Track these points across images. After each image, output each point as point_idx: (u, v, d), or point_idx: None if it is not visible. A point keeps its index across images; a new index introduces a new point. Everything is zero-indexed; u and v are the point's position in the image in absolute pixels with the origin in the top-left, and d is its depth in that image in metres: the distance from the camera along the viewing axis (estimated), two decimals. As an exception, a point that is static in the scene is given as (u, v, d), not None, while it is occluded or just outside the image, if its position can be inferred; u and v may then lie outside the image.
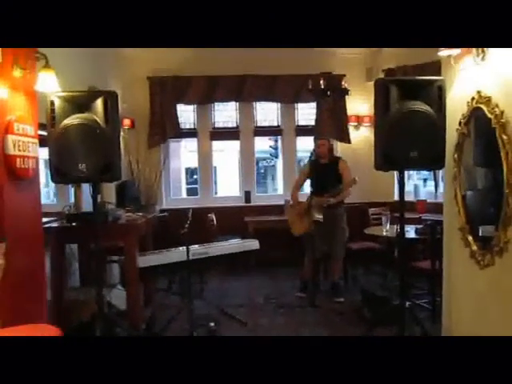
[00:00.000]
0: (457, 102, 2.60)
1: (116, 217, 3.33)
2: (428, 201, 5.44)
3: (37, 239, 2.64)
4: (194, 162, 7.29)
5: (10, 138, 2.28)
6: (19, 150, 2.36)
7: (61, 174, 2.49)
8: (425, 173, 6.33)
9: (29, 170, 2.48)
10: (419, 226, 4.16)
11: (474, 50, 2.40)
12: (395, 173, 5.65)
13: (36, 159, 2.57)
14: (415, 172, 6.12)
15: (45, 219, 3.19)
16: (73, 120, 2.43)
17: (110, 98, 2.51)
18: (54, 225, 3.22)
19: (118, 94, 2.61)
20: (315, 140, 4.58)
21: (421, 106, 2.41)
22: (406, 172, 2.69)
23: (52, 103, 2.44)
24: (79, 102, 2.48)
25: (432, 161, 2.48)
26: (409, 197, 5.50)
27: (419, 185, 6.22)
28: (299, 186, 4.73)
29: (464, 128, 2.59)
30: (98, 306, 2.65)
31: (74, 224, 3.17)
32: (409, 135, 2.41)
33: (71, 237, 3.28)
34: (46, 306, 2.69)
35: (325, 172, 4.40)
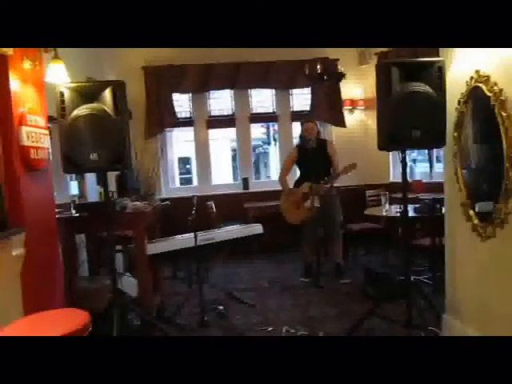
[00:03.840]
0: (455, 81, 2.67)
1: (123, 206, 3.39)
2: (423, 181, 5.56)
3: (51, 229, 2.69)
4: (186, 152, 7.31)
5: (24, 129, 2.32)
6: (33, 141, 2.40)
7: (73, 164, 2.53)
8: (414, 154, 6.45)
9: (42, 161, 2.52)
10: (417, 205, 4.26)
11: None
12: (390, 155, 5.85)
13: (47, 150, 2.61)
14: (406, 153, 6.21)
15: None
16: (82, 110, 2.47)
17: (119, 88, 2.56)
18: (64, 215, 3.26)
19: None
20: (302, 124, 4.51)
21: (422, 87, 2.51)
22: (398, 153, 2.77)
23: (61, 94, 2.47)
24: (88, 93, 2.51)
25: (434, 139, 2.59)
26: (404, 177, 5.60)
27: (412, 166, 6.33)
28: (287, 172, 4.65)
29: (463, 107, 2.67)
30: (115, 293, 2.72)
31: (83, 214, 3.21)
32: (411, 115, 2.50)
33: (80, 227, 3.32)
34: (63, 294, 2.75)
35: (313, 156, 4.31)
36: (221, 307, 3.73)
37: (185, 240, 3.63)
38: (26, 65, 2.36)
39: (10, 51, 2.22)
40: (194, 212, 3.59)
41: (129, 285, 3.65)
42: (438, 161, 5.51)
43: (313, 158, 4.31)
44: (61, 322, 1.82)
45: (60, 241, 3.11)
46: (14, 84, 2.27)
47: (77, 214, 3.23)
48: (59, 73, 2.53)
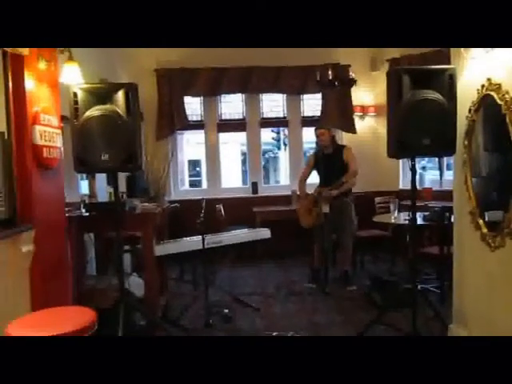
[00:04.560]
0: (466, 89, 2.66)
1: (132, 206, 3.42)
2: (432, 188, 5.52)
3: (61, 227, 2.73)
4: (195, 155, 7.33)
5: (37, 128, 2.36)
6: (45, 140, 2.44)
7: (84, 163, 2.56)
8: (424, 161, 6.42)
9: (54, 160, 2.56)
10: (426, 213, 4.24)
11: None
12: (400, 162, 5.82)
13: (60, 149, 2.65)
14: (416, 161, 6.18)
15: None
16: (95, 111, 2.50)
17: (131, 90, 2.59)
18: (74, 214, 3.29)
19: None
20: (315, 130, 4.56)
21: (433, 95, 2.50)
22: (408, 160, 2.76)
23: (75, 95, 2.50)
24: (101, 94, 2.54)
25: (443, 147, 2.57)
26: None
27: (421, 173, 6.29)
28: (305, 177, 4.73)
29: (474, 115, 2.66)
30: (122, 292, 2.74)
31: (93, 213, 3.24)
32: (421, 123, 2.49)
33: (89, 226, 3.35)
34: (72, 291, 2.78)
35: (330, 162, 4.36)
36: (226, 310, 3.73)
37: (193, 242, 3.65)
38: (41, 65, 2.40)
39: (25, 51, 2.27)
40: (202, 215, 3.61)
41: (135, 285, 3.67)
42: (449, 168, 5.47)
43: (328, 164, 4.36)
44: (67, 319, 1.84)
45: (69, 239, 3.15)
46: (29, 83, 2.31)
47: (86, 214, 3.26)
48: (73, 74, 2.57)
